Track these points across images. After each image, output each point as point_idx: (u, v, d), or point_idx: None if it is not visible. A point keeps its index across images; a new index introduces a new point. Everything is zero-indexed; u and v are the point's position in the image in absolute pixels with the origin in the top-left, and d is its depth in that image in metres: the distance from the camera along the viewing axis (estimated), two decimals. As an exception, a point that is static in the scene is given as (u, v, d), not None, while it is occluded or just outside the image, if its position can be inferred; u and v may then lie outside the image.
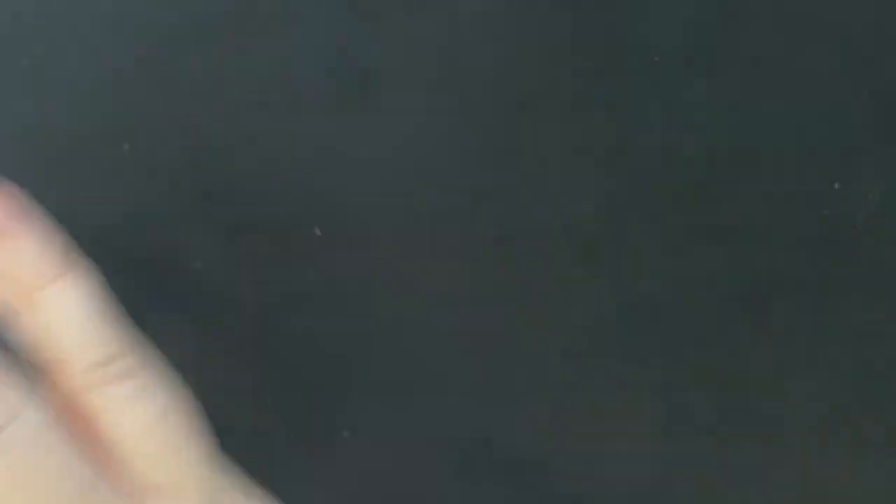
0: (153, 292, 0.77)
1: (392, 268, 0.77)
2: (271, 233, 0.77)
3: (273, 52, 0.76)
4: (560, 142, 0.76)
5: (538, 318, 0.76)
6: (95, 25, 0.77)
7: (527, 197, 0.76)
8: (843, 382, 0.76)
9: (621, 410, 0.77)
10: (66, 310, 0.62)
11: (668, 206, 0.76)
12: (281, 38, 0.76)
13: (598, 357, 0.77)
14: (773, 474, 0.77)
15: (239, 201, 0.77)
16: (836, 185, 0.75)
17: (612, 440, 0.77)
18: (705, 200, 0.75)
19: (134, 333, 0.65)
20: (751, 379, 0.76)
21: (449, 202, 0.76)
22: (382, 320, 0.77)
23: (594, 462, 0.77)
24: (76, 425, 0.62)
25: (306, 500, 0.78)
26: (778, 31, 0.74)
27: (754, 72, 0.74)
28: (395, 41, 0.76)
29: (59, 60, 0.77)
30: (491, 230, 0.76)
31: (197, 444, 0.66)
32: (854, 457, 0.76)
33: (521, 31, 0.75)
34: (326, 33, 0.76)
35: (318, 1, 0.76)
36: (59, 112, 0.77)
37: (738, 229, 0.75)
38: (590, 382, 0.77)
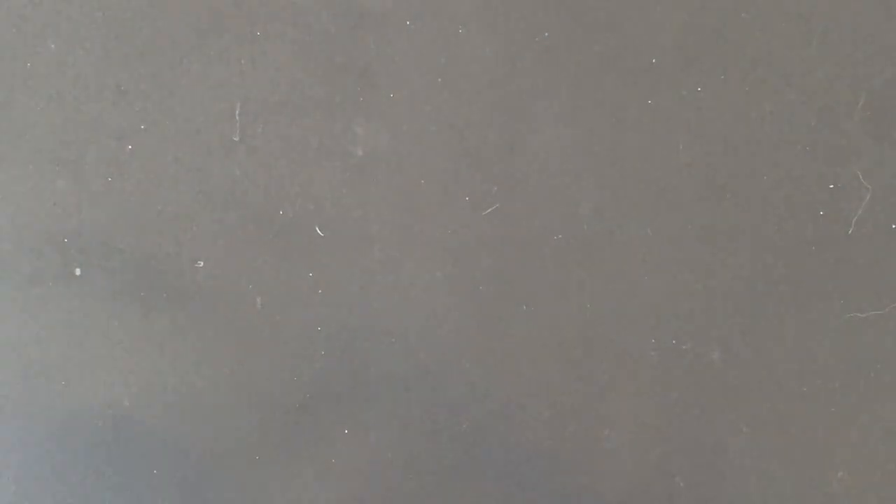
0: (153, 292, 0.77)
1: (392, 268, 0.77)
2: (271, 233, 0.77)
3: (273, 52, 0.76)
4: (560, 142, 0.76)
5: (538, 318, 0.76)
6: (97, 28, 0.77)
7: (526, 197, 0.76)
8: (840, 381, 0.76)
9: (621, 408, 0.77)
10: None
11: (666, 206, 0.76)
12: (281, 38, 0.76)
13: (598, 356, 0.77)
14: (771, 472, 0.77)
15: (239, 201, 0.77)
16: (834, 186, 0.75)
17: (610, 437, 0.77)
18: (704, 200, 0.76)
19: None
20: (748, 378, 0.76)
21: (449, 202, 0.77)
22: (382, 320, 0.77)
23: (592, 459, 0.77)
24: None
25: (307, 499, 0.78)
26: (776, 32, 0.75)
27: (753, 72, 0.75)
28: (395, 41, 0.76)
29: (62, 62, 0.77)
30: (491, 230, 0.76)
31: None
32: (853, 455, 0.76)
33: (520, 30, 0.76)
34: (326, 33, 0.76)
35: (318, 1, 0.76)
36: (60, 112, 0.77)
37: (737, 229, 0.76)
38: (589, 381, 0.77)
